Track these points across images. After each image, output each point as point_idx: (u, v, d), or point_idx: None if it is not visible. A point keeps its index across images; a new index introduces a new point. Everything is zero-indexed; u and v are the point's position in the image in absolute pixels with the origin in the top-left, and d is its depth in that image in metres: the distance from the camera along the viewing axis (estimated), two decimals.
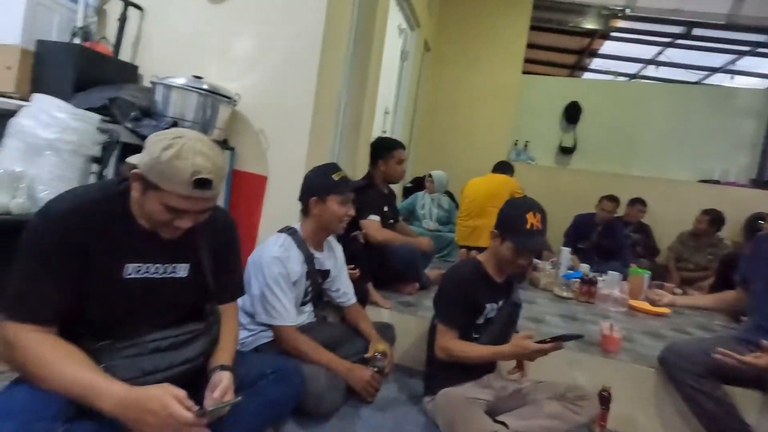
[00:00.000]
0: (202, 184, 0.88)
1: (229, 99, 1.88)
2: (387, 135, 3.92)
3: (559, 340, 1.26)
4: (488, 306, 1.43)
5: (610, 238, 3.69)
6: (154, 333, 0.98)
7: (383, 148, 2.31)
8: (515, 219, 1.38)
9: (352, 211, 1.59)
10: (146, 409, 0.79)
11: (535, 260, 3.08)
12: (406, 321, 1.92)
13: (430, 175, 3.89)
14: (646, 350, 1.82)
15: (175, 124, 1.69)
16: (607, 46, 6.22)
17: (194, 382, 0.98)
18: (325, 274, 1.66)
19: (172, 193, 0.88)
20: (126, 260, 0.96)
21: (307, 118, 1.98)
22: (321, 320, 1.71)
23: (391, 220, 2.37)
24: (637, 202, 4.19)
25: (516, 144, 5.67)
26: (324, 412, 1.35)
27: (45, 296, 0.87)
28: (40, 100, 1.47)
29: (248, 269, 1.47)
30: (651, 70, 6.67)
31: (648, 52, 6.08)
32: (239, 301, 1.23)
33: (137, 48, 2.22)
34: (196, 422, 0.81)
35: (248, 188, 2.05)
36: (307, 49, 1.98)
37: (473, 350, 1.38)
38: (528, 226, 1.35)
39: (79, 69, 1.85)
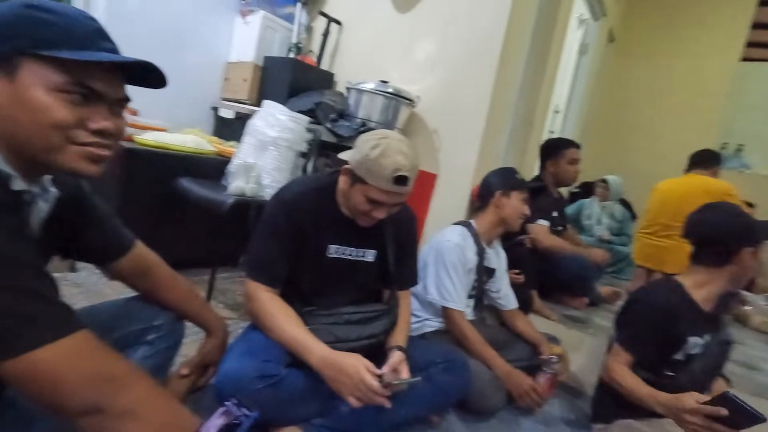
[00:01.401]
0: (401, 180, 0.98)
1: (410, 101, 2.01)
2: (556, 135, 3.66)
3: (733, 412, 0.93)
4: (691, 340, 1.21)
5: None
6: (348, 307, 1.14)
7: (552, 148, 2.18)
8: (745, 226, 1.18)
9: (527, 210, 1.60)
10: (341, 370, 0.93)
11: (745, 292, 2.49)
12: (573, 337, 1.78)
13: (603, 180, 3.50)
14: None
15: (363, 125, 1.90)
16: None
17: (374, 356, 1.11)
18: (491, 272, 1.66)
19: (375, 186, 1.00)
20: (330, 241, 1.14)
21: (481, 119, 1.99)
22: (481, 319, 1.72)
23: (560, 227, 2.22)
24: None
25: (724, 147, 4.64)
26: (485, 410, 1.36)
27: (274, 263, 1.08)
28: (268, 105, 1.82)
29: (423, 256, 1.57)
30: None
31: None
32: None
33: (334, 57, 2.55)
34: (381, 391, 0.91)
35: (419, 185, 2.15)
36: (487, 48, 1.98)
37: (632, 384, 1.18)
38: None
39: (293, 78, 2.23)
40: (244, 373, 0.90)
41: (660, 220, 2.53)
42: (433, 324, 1.54)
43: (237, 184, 1.68)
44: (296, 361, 1.00)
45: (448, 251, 1.50)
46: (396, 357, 1.01)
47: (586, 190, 3.93)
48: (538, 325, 1.78)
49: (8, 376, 0.51)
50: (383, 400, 0.92)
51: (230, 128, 2.45)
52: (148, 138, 1.79)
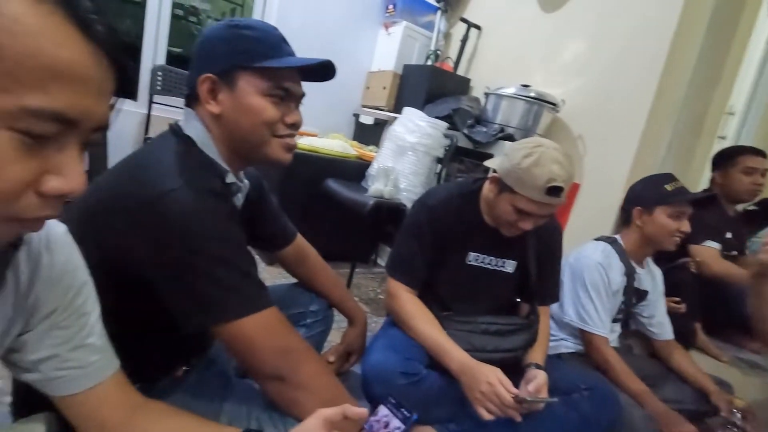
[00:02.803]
0: (554, 191, 0.94)
1: (553, 105, 1.90)
2: (729, 141, 3.07)
3: None
4: None
5: None
6: (485, 316, 1.12)
7: (723, 155, 1.83)
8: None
9: (686, 227, 1.36)
10: (478, 380, 0.92)
11: None
12: (749, 385, 1.48)
13: None
14: None
15: (501, 131, 1.85)
16: None
17: (509, 371, 1.07)
18: (642, 294, 1.47)
19: (524, 196, 0.97)
20: (470, 249, 1.14)
21: (638, 123, 1.78)
22: (626, 348, 1.54)
23: (735, 252, 1.86)
24: None
25: None
26: None
27: (415, 265, 1.13)
28: (408, 111, 1.90)
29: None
30: None
31: None
32: None
33: (471, 63, 2.54)
34: (514, 406, 0.89)
35: None
36: (652, 44, 1.76)
37: None
38: None
39: (430, 85, 2.28)
40: (388, 368, 0.95)
41: None
42: (570, 345, 1.43)
43: (376, 187, 1.78)
44: (433, 363, 1.02)
45: (589, 270, 1.37)
46: (541, 378, 0.97)
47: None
48: (701, 364, 1.52)
49: (220, 338, 0.62)
50: (514, 413, 0.89)
51: (369, 133, 2.62)
52: (303, 142, 2.02)
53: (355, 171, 2.06)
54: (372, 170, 1.88)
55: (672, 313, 1.50)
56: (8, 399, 0.66)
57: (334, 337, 1.18)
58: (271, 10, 2.48)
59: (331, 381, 0.66)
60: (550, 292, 1.22)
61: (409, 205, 1.80)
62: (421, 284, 1.13)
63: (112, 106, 0.37)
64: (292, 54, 0.71)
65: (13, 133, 0.30)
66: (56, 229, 0.49)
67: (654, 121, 1.81)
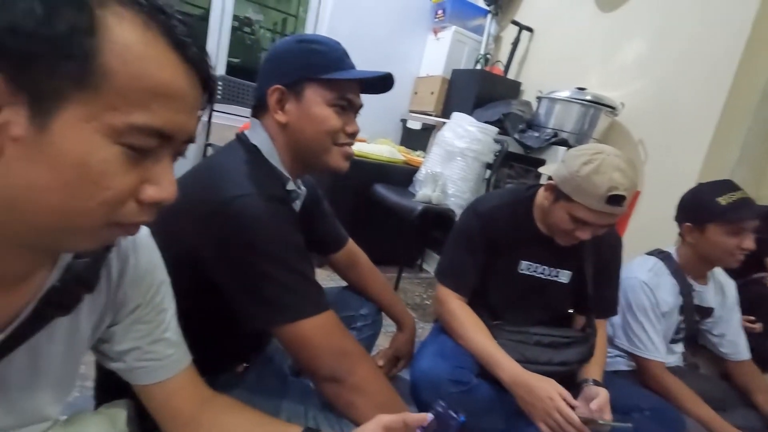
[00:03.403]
0: (616, 200, 0.90)
1: (612, 108, 1.82)
2: None
3: None
4: None
5: None
6: (537, 327, 1.09)
7: None
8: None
9: (748, 244, 1.18)
10: (534, 393, 0.89)
11: None
12: None
13: None
14: None
15: (555, 135, 1.80)
16: None
17: (562, 386, 1.03)
18: (706, 312, 1.36)
19: (583, 205, 0.93)
20: (522, 257, 1.11)
21: (708, 128, 1.66)
22: (691, 367, 1.43)
23: None
24: None
25: None
26: None
27: (465, 273, 1.12)
28: (457, 117, 1.89)
29: None
30: None
31: None
32: None
33: (522, 66, 2.48)
34: (579, 425, 0.85)
35: None
36: (722, 44, 1.64)
37: None
38: None
39: (479, 89, 2.25)
40: (438, 375, 0.95)
41: None
42: (627, 362, 1.35)
43: (424, 192, 1.78)
44: (483, 372, 1.01)
45: (633, 291, 1.26)
46: (603, 396, 0.92)
47: None
48: None
49: (281, 338, 0.65)
50: None
51: (416, 138, 2.63)
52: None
53: (403, 176, 2.07)
54: (420, 175, 1.89)
55: (747, 332, 1.38)
56: (90, 384, 0.73)
57: (382, 342, 1.20)
58: (323, 20, 2.55)
59: (385, 385, 0.67)
60: (609, 305, 1.16)
61: (457, 210, 1.78)
62: (470, 291, 1.12)
63: (198, 119, 0.40)
64: (353, 67, 0.74)
65: (121, 148, 0.33)
66: (141, 231, 0.54)
67: (725, 126, 1.68)
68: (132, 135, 0.33)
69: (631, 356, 1.29)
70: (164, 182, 0.37)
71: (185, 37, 0.35)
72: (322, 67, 0.70)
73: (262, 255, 0.61)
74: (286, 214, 0.66)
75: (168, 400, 0.56)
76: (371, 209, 1.99)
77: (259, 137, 0.73)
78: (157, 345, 0.55)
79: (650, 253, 1.39)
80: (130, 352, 0.54)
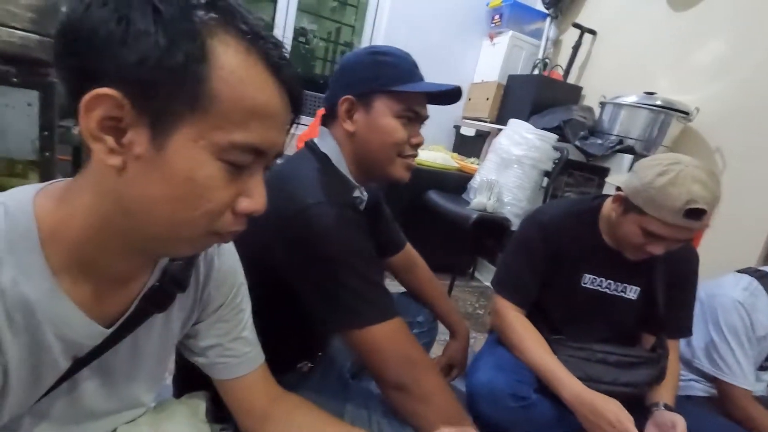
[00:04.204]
0: (695, 214, 0.84)
1: (685, 114, 1.70)
2: None
3: None
4: None
5: None
6: (601, 345, 1.04)
7: None
8: None
9: None
10: (600, 414, 0.85)
11: None
12: None
13: None
14: None
15: (620, 142, 1.71)
16: None
17: (628, 408, 0.98)
18: None
19: (656, 218, 0.88)
20: (585, 270, 1.06)
21: None
22: None
23: None
24: None
25: None
26: None
27: (525, 284, 1.09)
28: (514, 123, 1.85)
29: None
30: None
31: None
32: None
33: (583, 70, 2.38)
34: None
35: None
36: None
37: None
38: None
39: (536, 95, 2.19)
40: (498, 388, 0.93)
41: None
42: (701, 387, 1.25)
43: (479, 200, 1.76)
44: (542, 387, 0.97)
45: (725, 310, 1.17)
46: (681, 425, 0.87)
47: None
48: None
49: (351, 343, 0.67)
50: None
51: (470, 145, 2.60)
52: None
53: (456, 183, 2.05)
54: (474, 183, 1.86)
55: None
56: (167, 375, 0.79)
57: (434, 350, 1.19)
58: (379, 28, 2.60)
59: (451, 396, 0.67)
60: (682, 326, 1.09)
61: (513, 219, 1.74)
62: (530, 304, 1.09)
63: (287, 134, 0.43)
64: (422, 79, 0.75)
65: (223, 164, 0.36)
66: None
67: None
68: (232, 152, 0.36)
69: (714, 381, 1.20)
70: (256, 195, 0.40)
71: (280, 60, 0.37)
72: (392, 78, 0.72)
73: (336, 261, 0.63)
74: (357, 221, 0.68)
75: (243, 395, 0.60)
76: (424, 216, 1.99)
77: (329, 145, 0.76)
78: (236, 343, 0.58)
79: (743, 271, 1.28)
80: (212, 348, 0.57)
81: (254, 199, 0.40)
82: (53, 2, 0.97)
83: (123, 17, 0.32)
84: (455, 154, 2.44)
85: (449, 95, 0.76)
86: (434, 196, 1.92)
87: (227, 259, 0.57)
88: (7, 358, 0.38)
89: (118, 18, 0.32)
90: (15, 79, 0.89)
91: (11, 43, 0.89)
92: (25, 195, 0.39)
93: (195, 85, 0.33)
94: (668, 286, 1.05)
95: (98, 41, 0.32)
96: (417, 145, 0.76)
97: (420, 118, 0.76)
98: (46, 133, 0.92)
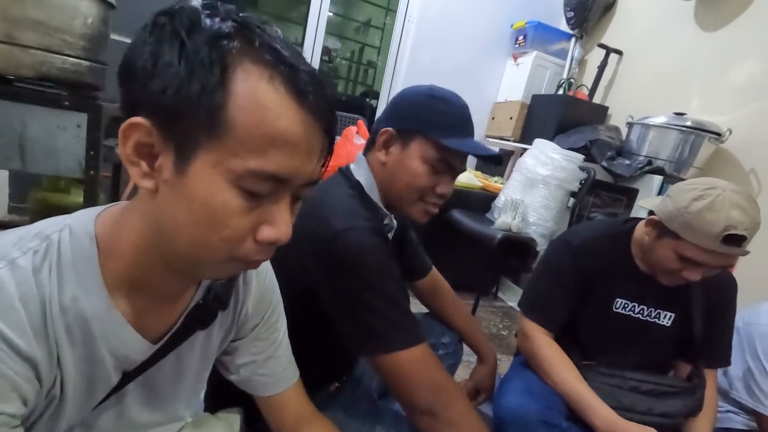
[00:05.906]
0: (735, 240, 0.82)
1: (717, 135, 1.67)
2: None
3: None
4: None
5: None
6: (634, 372, 1.01)
7: None
8: None
9: None
10: None
11: None
12: None
13: None
14: None
15: (649, 163, 1.68)
16: None
17: None
18: None
19: (693, 244, 0.86)
20: (618, 295, 1.04)
21: None
22: None
23: None
24: None
25: None
26: None
27: (554, 307, 1.07)
28: (540, 143, 1.84)
29: None
30: None
31: None
32: None
33: (609, 90, 2.37)
34: None
35: None
36: None
37: None
38: None
39: (561, 115, 2.18)
40: (528, 415, 0.91)
41: None
42: (742, 420, 1.20)
43: (503, 219, 1.75)
44: (572, 414, 0.95)
45: (763, 340, 1.13)
46: None
47: None
48: None
49: (377, 367, 0.67)
50: None
51: (493, 164, 2.59)
52: None
53: (480, 202, 2.05)
54: (499, 202, 1.86)
55: None
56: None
57: (460, 373, 1.18)
58: (404, 50, 2.65)
59: (478, 422, 0.66)
60: (720, 354, 1.05)
61: (538, 239, 1.72)
62: (559, 327, 1.07)
63: (324, 163, 0.42)
64: (471, 133, 0.75)
65: (239, 191, 0.36)
66: None
67: None
68: (248, 179, 0.35)
69: (753, 413, 1.15)
70: (279, 223, 0.38)
71: (307, 86, 0.36)
72: (438, 126, 0.72)
73: (367, 286, 0.64)
74: (387, 247, 0.69)
75: (276, 412, 0.61)
76: (447, 234, 1.98)
77: (363, 173, 0.78)
78: (271, 361, 0.59)
79: None
80: (247, 366, 0.59)
81: (277, 228, 0.38)
82: (104, 31, 1.03)
83: (155, 52, 0.34)
84: (478, 173, 2.43)
85: (489, 158, 0.77)
86: (458, 214, 1.92)
87: (265, 279, 0.58)
88: (66, 371, 0.40)
89: (151, 52, 0.34)
90: (67, 103, 0.94)
91: (64, 69, 0.95)
92: (88, 217, 0.42)
93: (212, 112, 0.34)
94: (705, 312, 1.02)
95: (136, 73, 0.34)
96: (442, 195, 0.76)
97: (454, 171, 0.76)
98: (92, 152, 0.97)
